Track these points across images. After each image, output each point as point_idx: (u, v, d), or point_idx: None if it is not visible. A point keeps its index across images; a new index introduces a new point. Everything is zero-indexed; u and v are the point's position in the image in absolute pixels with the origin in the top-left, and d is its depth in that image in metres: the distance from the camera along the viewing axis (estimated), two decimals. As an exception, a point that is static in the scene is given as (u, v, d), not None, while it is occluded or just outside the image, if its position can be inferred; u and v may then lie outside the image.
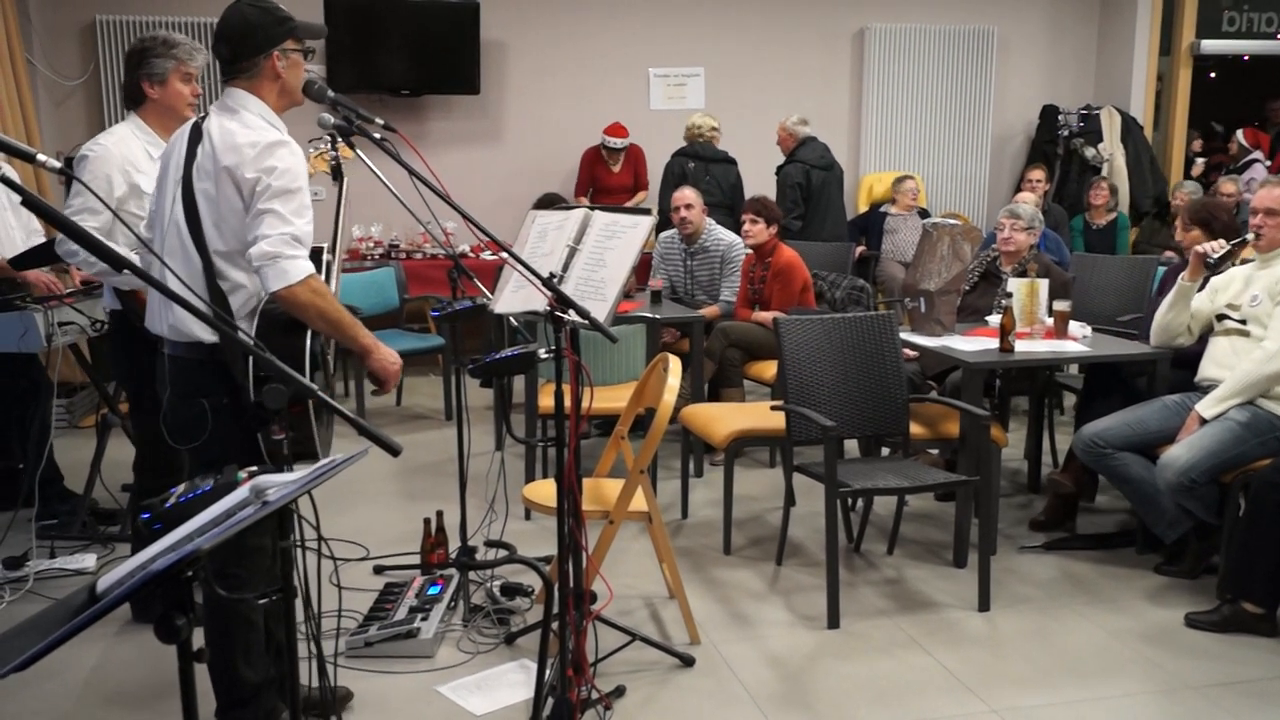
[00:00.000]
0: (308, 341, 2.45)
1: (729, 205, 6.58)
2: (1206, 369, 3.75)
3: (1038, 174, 7.31)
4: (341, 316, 2.41)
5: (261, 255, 2.29)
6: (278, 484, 1.64)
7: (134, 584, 1.34)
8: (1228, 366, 3.63)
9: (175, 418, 2.47)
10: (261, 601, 2.46)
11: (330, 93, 2.52)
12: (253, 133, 2.37)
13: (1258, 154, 8.47)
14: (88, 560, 3.82)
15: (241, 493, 1.59)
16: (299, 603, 1.97)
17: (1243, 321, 3.66)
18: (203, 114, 2.53)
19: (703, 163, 6.71)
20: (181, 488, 1.71)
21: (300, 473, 1.68)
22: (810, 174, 6.68)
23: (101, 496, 4.25)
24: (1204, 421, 3.57)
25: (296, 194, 2.34)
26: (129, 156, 3.21)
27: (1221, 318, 3.75)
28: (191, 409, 2.40)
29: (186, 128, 2.51)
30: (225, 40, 2.44)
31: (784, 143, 6.83)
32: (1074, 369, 4.86)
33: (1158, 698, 2.97)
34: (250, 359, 2.32)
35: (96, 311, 4.00)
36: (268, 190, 2.31)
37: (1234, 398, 3.55)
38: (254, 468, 1.77)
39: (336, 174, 3.10)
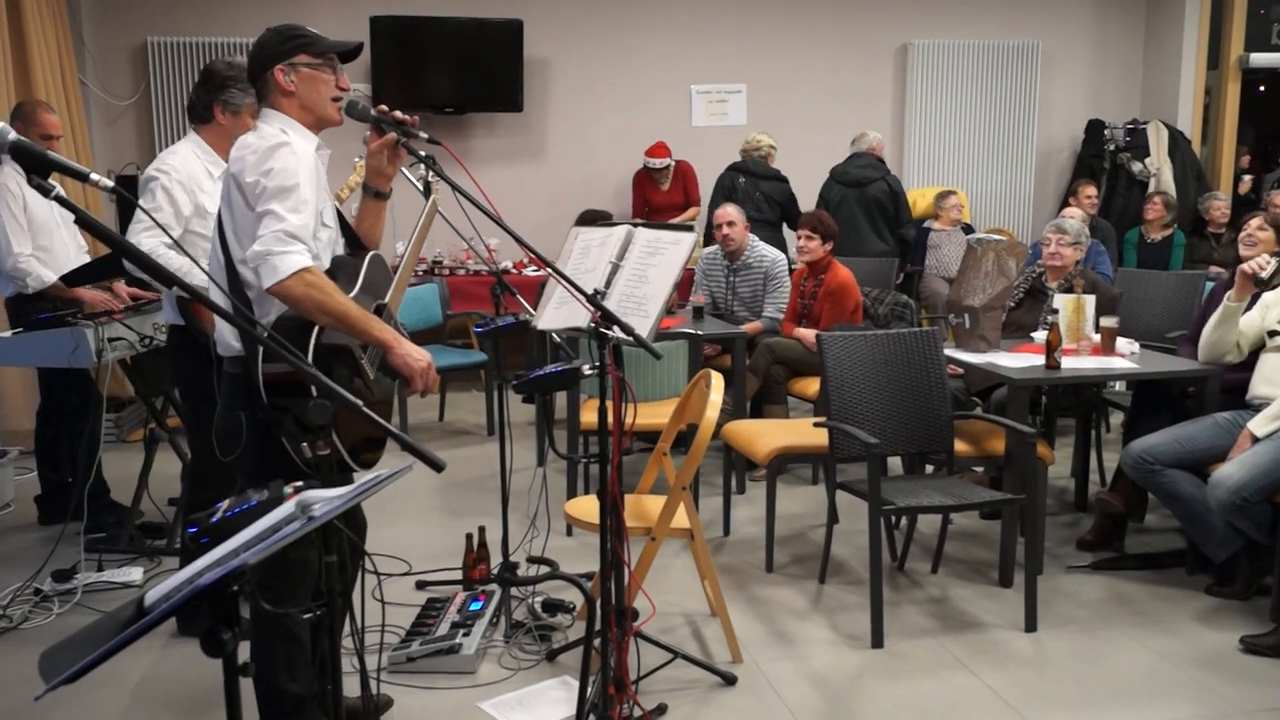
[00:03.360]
0: (312, 340, 2.38)
1: (776, 222, 6.59)
2: (1257, 386, 3.67)
3: (1089, 190, 7.20)
4: (346, 310, 2.35)
5: (254, 255, 2.30)
6: (323, 499, 1.65)
7: (182, 598, 1.36)
8: (1278, 384, 3.56)
9: (218, 429, 2.51)
10: (306, 616, 2.48)
11: (373, 110, 2.54)
12: (260, 140, 2.40)
13: None
14: (134, 573, 3.88)
15: (287, 508, 1.60)
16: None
17: (1295, 338, 3.58)
18: None
19: (753, 179, 6.75)
20: (228, 502, 1.73)
21: (345, 488, 1.69)
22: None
23: (148, 510, 4.32)
24: (1256, 439, 3.50)
25: (292, 190, 2.34)
26: (193, 175, 3.31)
27: (1273, 334, 3.68)
28: (231, 421, 2.43)
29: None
30: (250, 63, 2.52)
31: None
32: (1121, 386, 4.77)
33: (1212, 723, 2.91)
34: (261, 369, 2.33)
35: (145, 327, 4.08)
36: (264, 191, 2.33)
37: (1287, 415, 3.48)
38: (299, 482, 1.79)
39: (427, 191, 3.11)
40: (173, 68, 7.08)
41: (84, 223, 1.57)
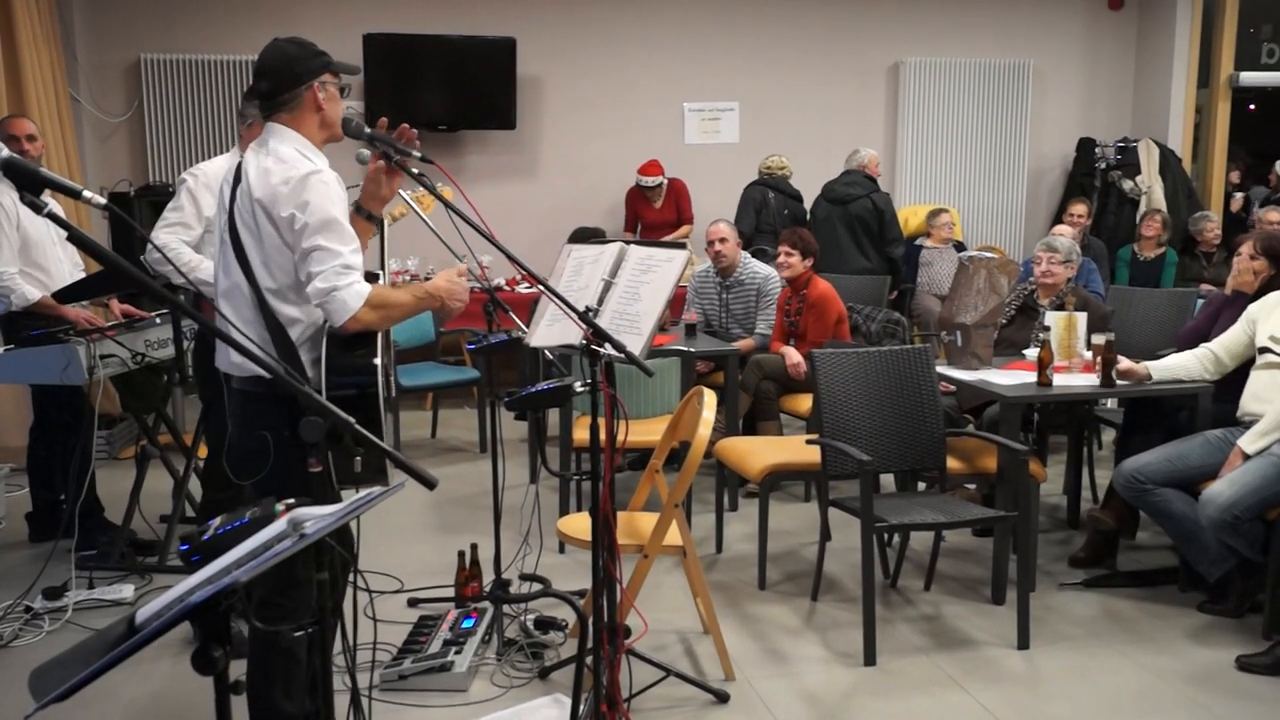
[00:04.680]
0: (378, 348, 2.49)
1: None
2: (1248, 404, 3.69)
3: (1080, 208, 7.23)
4: (410, 307, 2.50)
5: (319, 293, 2.33)
6: (315, 516, 1.65)
7: (172, 616, 1.35)
8: (1269, 401, 3.58)
9: (237, 451, 2.49)
10: (297, 634, 2.47)
11: (367, 129, 2.55)
12: (286, 167, 2.38)
13: None
14: (126, 591, 3.86)
15: (279, 525, 1.60)
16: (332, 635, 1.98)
17: (1285, 355, 3.60)
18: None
19: (781, 196, 6.86)
20: (220, 519, 1.73)
21: (337, 505, 1.69)
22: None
23: (140, 527, 4.30)
24: (1247, 457, 3.51)
25: (335, 223, 2.36)
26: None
27: (1263, 350, 3.70)
28: (254, 442, 2.41)
29: (232, 168, 2.54)
30: (265, 75, 2.47)
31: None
32: (1113, 403, 4.79)
33: (1204, 741, 2.91)
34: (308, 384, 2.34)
35: (138, 344, 4.08)
36: (306, 227, 2.33)
37: (1276, 432, 3.50)
38: (291, 500, 1.78)
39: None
40: (166, 85, 7.09)
41: (76, 239, 1.57)
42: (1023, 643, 3.45)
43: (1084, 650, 3.45)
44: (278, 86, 2.46)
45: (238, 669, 2.51)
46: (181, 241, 3.62)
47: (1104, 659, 3.39)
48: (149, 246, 3.59)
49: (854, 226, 6.72)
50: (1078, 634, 3.57)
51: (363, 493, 1.75)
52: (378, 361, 2.48)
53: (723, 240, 5.50)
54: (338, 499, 2.32)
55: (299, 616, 2.46)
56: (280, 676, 2.52)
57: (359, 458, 2.24)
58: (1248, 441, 3.53)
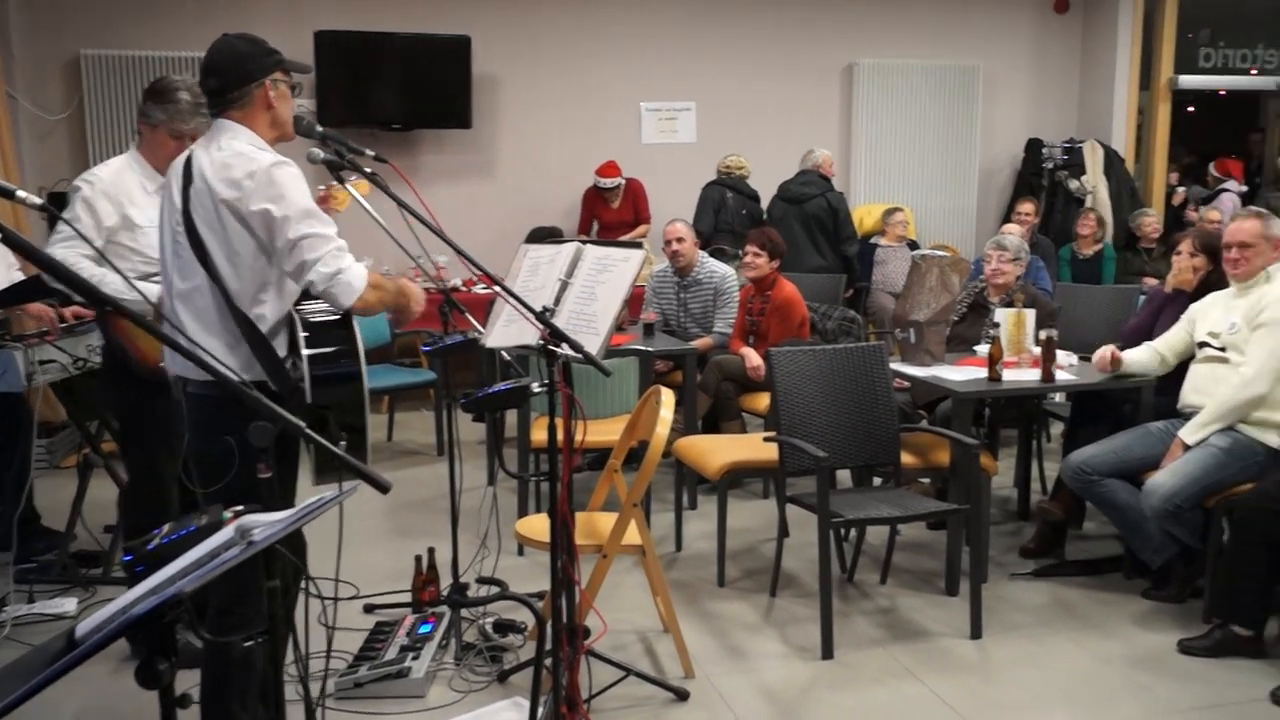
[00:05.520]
0: (357, 333, 2.47)
1: None
2: (1188, 396, 3.78)
3: (1027, 207, 7.36)
4: (396, 292, 2.52)
5: (324, 278, 2.31)
6: (264, 523, 1.63)
7: (114, 629, 1.32)
8: (1208, 393, 3.66)
9: (198, 459, 2.45)
10: (247, 644, 2.43)
11: (319, 127, 2.53)
12: (247, 160, 2.34)
13: (1230, 184, 8.59)
14: (68, 604, 3.74)
15: (226, 533, 1.58)
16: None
17: (1222, 349, 3.69)
18: (192, 146, 2.52)
19: (740, 196, 6.88)
20: (166, 528, 1.69)
21: (286, 512, 1.67)
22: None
23: (83, 539, 4.20)
24: (1187, 447, 3.60)
25: (315, 210, 2.36)
26: (123, 188, 3.23)
27: (1202, 345, 3.78)
28: (216, 448, 2.34)
29: (180, 163, 2.48)
30: (214, 72, 2.43)
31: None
32: (1061, 397, 4.87)
33: (1152, 726, 2.97)
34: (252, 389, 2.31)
35: (79, 349, 3.97)
36: (287, 219, 2.31)
37: (1215, 423, 3.58)
38: (240, 506, 1.76)
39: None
40: (107, 82, 6.94)
41: (10, 241, 1.52)
42: (976, 632, 3.50)
43: (1034, 638, 3.51)
44: (227, 84, 2.43)
45: (184, 681, 2.48)
46: (81, 256, 3.13)
47: (1053, 646, 3.45)
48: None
49: (809, 225, 6.77)
50: (1028, 622, 3.63)
51: (312, 498, 1.73)
52: (359, 348, 2.46)
53: (680, 240, 5.51)
54: (292, 504, 2.30)
55: (257, 625, 2.43)
56: (237, 687, 2.49)
57: (342, 444, 2.22)
58: (1188, 432, 3.62)
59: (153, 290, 2.84)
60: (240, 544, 1.57)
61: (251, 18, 6.94)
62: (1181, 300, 4.05)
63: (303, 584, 2.39)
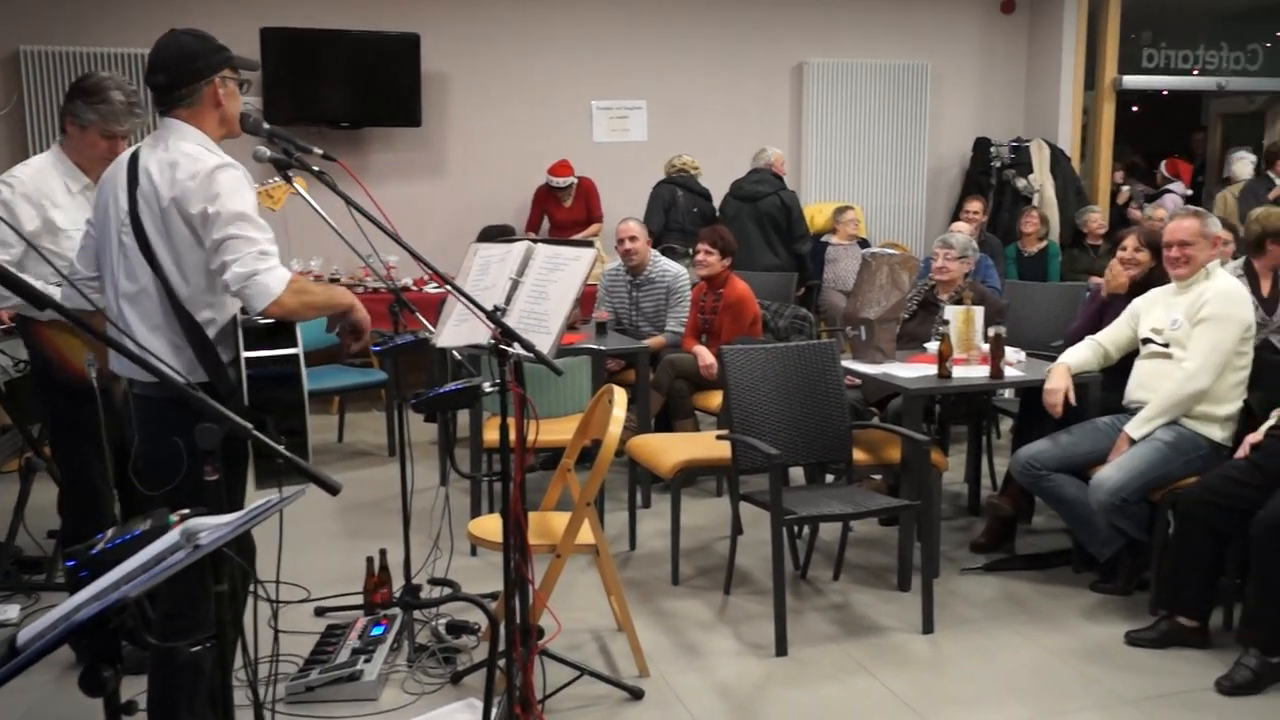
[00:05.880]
0: (298, 338, 2.44)
1: None
2: (1133, 391, 3.85)
3: (975, 205, 7.47)
4: (326, 299, 2.47)
5: (238, 279, 2.27)
6: (210, 526, 1.61)
7: (56, 636, 1.29)
8: (1153, 389, 3.74)
9: (147, 461, 2.40)
10: (194, 649, 2.39)
11: (265, 124, 2.49)
12: (193, 161, 2.32)
13: (1176, 185, 8.78)
14: (10, 611, 3.66)
15: (172, 536, 1.55)
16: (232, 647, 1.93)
17: (1165, 345, 3.77)
18: (137, 145, 2.48)
19: (690, 194, 6.89)
20: (110, 532, 1.66)
21: (234, 515, 1.65)
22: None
23: (26, 544, 4.10)
24: (1133, 442, 3.67)
25: (248, 214, 2.32)
26: (44, 190, 3.10)
27: (1146, 341, 3.86)
28: (164, 450, 2.31)
29: (124, 160, 2.44)
30: (162, 69, 2.39)
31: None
32: (1010, 393, 4.94)
33: (1095, 713, 3.02)
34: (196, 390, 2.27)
35: (20, 351, 3.88)
36: (219, 217, 2.28)
37: (1159, 417, 3.66)
38: (186, 510, 1.73)
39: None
40: (47, 78, 6.78)
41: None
42: (927, 627, 3.54)
43: (985, 632, 3.55)
44: (176, 81, 2.39)
45: (130, 688, 2.43)
46: (4, 262, 2.92)
47: (1003, 639, 3.50)
48: None
49: (763, 223, 6.81)
50: (979, 616, 3.68)
51: (260, 501, 1.71)
52: (298, 352, 2.43)
53: (633, 239, 5.51)
54: (240, 506, 2.27)
55: (205, 629, 2.39)
56: (185, 693, 2.45)
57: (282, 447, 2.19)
58: (1133, 427, 3.69)
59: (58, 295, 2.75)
60: (187, 548, 1.54)
61: (196, 13, 6.81)
62: (1117, 305, 4.13)
63: (251, 587, 2.35)
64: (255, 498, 1.84)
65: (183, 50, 2.39)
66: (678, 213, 6.89)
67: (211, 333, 2.37)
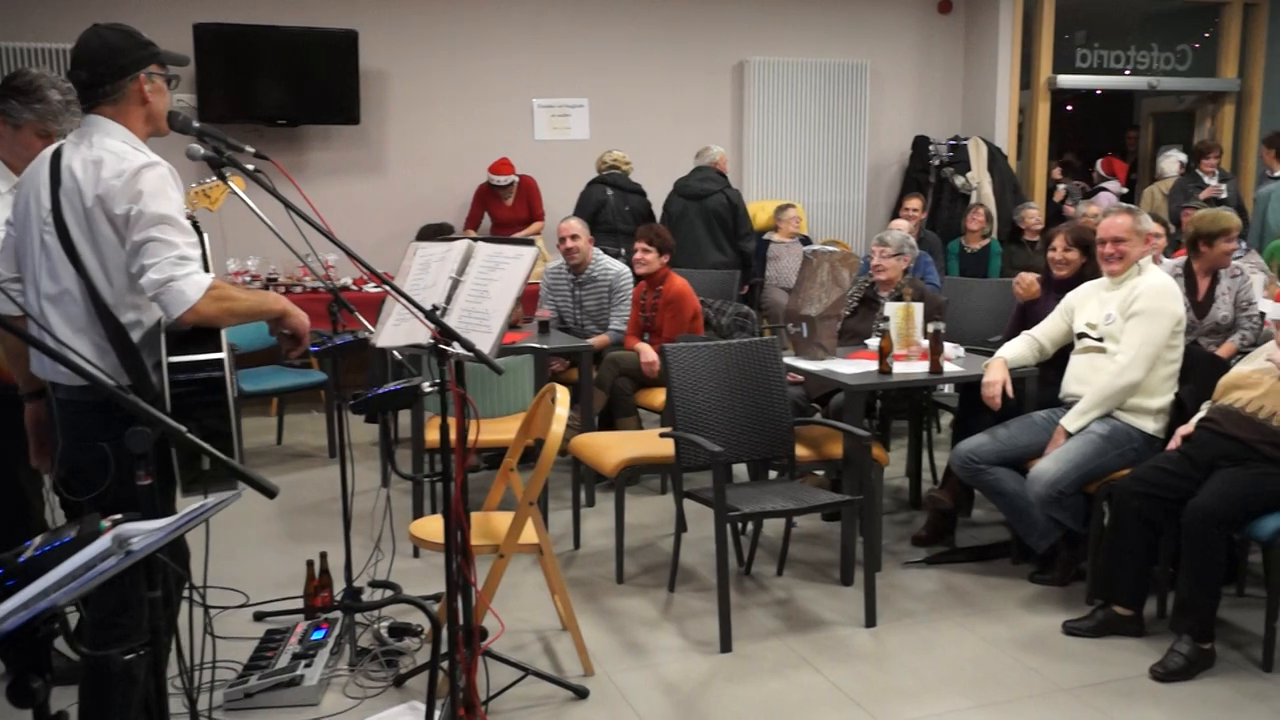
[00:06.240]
0: (223, 343, 2.38)
1: None
2: (1069, 385, 3.93)
3: (914, 203, 7.57)
4: (253, 305, 2.40)
5: (153, 284, 2.21)
6: (143, 532, 1.57)
7: (-19, 645, 1.26)
8: (1088, 382, 3.82)
9: (71, 467, 2.34)
10: (128, 656, 2.34)
11: (195, 123, 2.44)
12: (118, 160, 2.27)
13: (1111, 183, 8.98)
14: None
15: (103, 543, 1.52)
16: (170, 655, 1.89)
17: (1100, 339, 3.85)
18: (59, 143, 2.41)
19: (621, 192, 6.85)
20: (38, 540, 1.62)
21: (166, 520, 1.61)
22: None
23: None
24: (1069, 435, 3.74)
25: (171, 216, 2.26)
26: None
27: (1081, 336, 3.94)
28: (90, 455, 2.26)
29: (45, 158, 2.37)
30: (85, 65, 2.33)
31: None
32: (949, 388, 5.02)
33: (1034, 702, 3.08)
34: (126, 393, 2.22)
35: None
36: (141, 218, 2.23)
37: (1094, 410, 3.74)
38: (119, 515, 1.69)
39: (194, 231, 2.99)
40: (-26, 75, 6.59)
41: None
42: (870, 621, 3.58)
43: (926, 624, 3.60)
44: (99, 77, 2.33)
45: (61, 699, 2.37)
46: None
47: (944, 631, 3.55)
48: None
49: (710, 221, 6.84)
50: (920, 609, 3.73)
51: (194, 505, 1.67)
52: (224, 356, 2.38)
53: (575, 237, 5.50)
54: (173, 511, 2.22)
55: (138, 637, 2.34)
56: (119, 702, 2.39)
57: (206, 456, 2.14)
58: (1069, 421, 3.77)
59: None
60: (118, 554, 1.51)
61: (127, 9, 6.66)
62: (1046, 299, 4.22)
63: (186, 593, 2.30)
64: (186, 505, 1.80)
65: (106, 46, 2.33)
66: (608, 213, 6.83)
67: (136, 336, 2.32)
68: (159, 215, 2.24)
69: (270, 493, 1.70)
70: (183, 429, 1.81)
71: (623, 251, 6.29)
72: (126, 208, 2.23)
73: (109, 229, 2.26)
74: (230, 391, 2.39)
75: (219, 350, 2.40)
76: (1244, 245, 6.08)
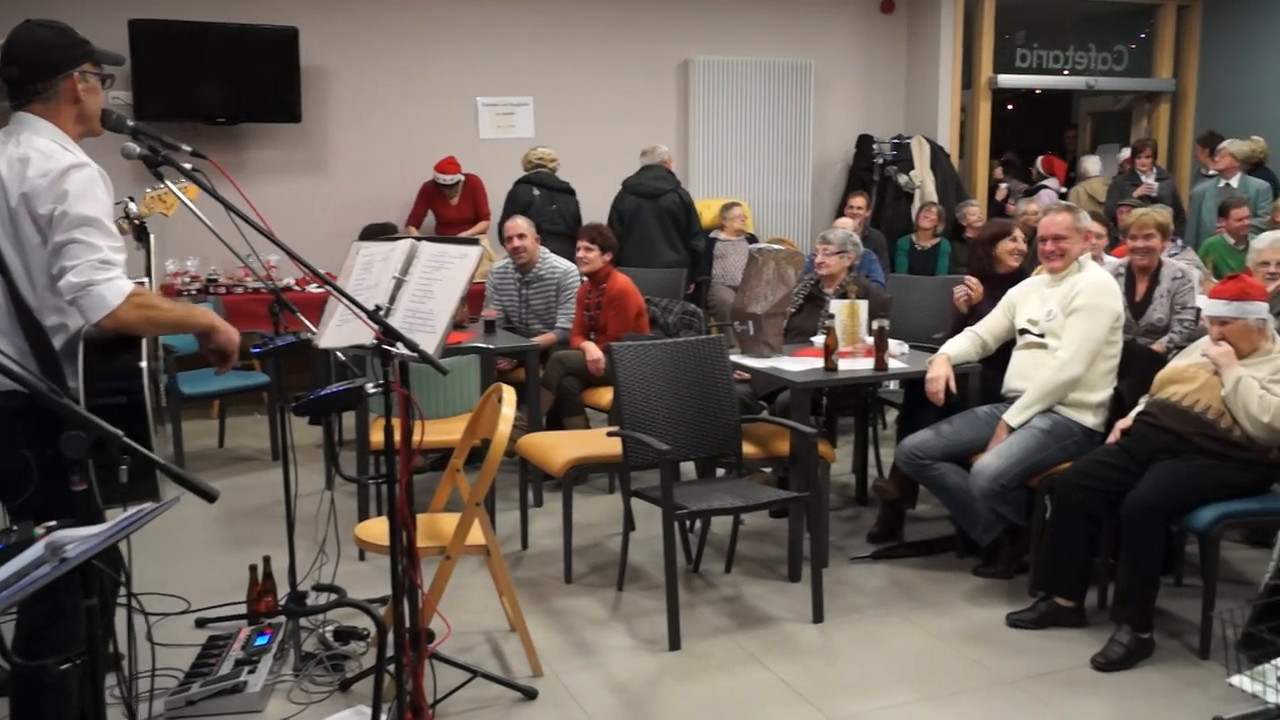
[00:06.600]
0: (143, 352, 2.33)
1: (571, 235, 6.62)
2: (1011, 381, 3.99)
3: (859, 201, 7.64)
4: (178, 317, 2.35)
5: (72, 288, 2.16)
6: (78, 539, 1.53)
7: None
8: (1030, 378, 3.88)
9: None
10: (64, 666, 2.28)
11: (130, 121, 2.39)
12: (45, 159, 2.21)
13: (1051, 181, 9.15)
14: None
15: (36, 550, 1.48)
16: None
17: (1041, 335, 3.92)
18: None
19: (548, 191, 6.80)
20: (-33, 548, 1.57)
21: (103, 526, 1.58)
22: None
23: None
24: (1011, 430, 3.80)
25: (97, 219, 2.21)
26: None
27: (1023, 332, 4.01)
28: (15, 461, 2.20)
29: None
30: (16, 62, 2.28)
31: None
32: (894, 385, 5.07)
33: (979, 694, 3.13)
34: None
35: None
36: (65, 219, 2.17)
37: (1036, 405, 3.80)
38: (53, 522, 1.65)
39: (141, 234, 2.93)
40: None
41: None
42: (818, 616, 3.61)
43: (873, 619, 3.64)
44: (31, 75, 2.28)
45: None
46: None
47: (891, 625, 3.59)
48: None
49: (664, 220, 6.85)
50: (867, 604, 3.77)
51: (132, 510, 1.64)
52: (143, 365, 2.33)
53: (521, 236, 5.47)
54: (103, 519, 2.17)
55: (71, 647, 2.28)
56: (52, 714, 2.33)
57: (124, 468, 2.09)
58: (1011, 415, 3.83)
59: None
60: (52, 561, 1.47)
61: (59, 4, 6.49)
62: (989, 300, 4.29)
63: (123, 600, 2.25)
64: (118, 512, 1.76)
65: (38, 43, 2.28)
66: (534, 213, 6.78)
67: (59, 340, 2.26)
68: (83, 217, 2.18)
69: (210, 497, 1.67)
70: (119, 433, 1.77)
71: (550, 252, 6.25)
72: (51, 208, 2.17)
73: (32, 229, 2.20)
74: (149, 402, 2.34)
75: (139, 359, 2.35)
76: (1179, 243, 6.23)
